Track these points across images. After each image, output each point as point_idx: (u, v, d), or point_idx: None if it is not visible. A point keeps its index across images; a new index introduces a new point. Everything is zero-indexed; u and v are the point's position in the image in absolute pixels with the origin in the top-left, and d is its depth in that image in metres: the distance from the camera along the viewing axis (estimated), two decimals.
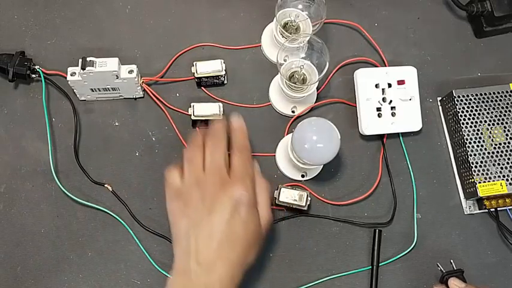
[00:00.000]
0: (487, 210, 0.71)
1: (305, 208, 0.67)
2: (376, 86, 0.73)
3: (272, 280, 0.69)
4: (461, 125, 0.71)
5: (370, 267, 0.69)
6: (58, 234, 0.69)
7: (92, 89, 0.71)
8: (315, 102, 0.74)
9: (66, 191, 0.68)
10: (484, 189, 0.68)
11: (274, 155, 0.73)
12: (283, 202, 0.68)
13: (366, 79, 0.73)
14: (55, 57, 0.74)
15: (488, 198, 0.70)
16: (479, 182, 0.68)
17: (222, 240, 0.54)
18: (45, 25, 0.76)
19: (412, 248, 0.70)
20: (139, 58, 0.75)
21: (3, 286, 0.67)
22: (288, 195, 0.68)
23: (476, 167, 0.69)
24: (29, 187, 0.70)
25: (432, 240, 0.71)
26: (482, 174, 0.69)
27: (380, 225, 0.71)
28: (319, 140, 0.64)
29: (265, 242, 0.60)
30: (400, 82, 0.73)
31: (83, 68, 0.66)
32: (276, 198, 0.68)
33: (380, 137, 0.74)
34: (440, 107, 0.75)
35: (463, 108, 0.72)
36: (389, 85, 0.73)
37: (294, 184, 0.71)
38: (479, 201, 0.72)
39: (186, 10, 0.78)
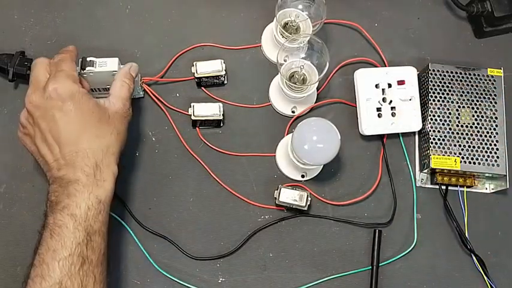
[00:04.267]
0: (437, 186, 0.72)
1: (305, 208, 0.67)
2: (376, 86, 0.73)
3: (272, 280, 0.69)
4: (430, 98, 0.72)
5: (370, 267, 0.69)
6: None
7: (92, 89, 0.71)
8: (315, 102, 0.74)
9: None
10: (436, 162, 0.69)
11: (274, 155, 0.73)
12: (283, 202, 0.68)
13: (366, 79, 0.73)
14: None
15: (442, 173, 0.71)
16: (434, 155, 0.69)
17: (60, 137, 0.58)
18: (45, 25, 0.76)
19: (412, 248, 0.70)
20: (140, 58, 0.75)
21: (3, 286, 0.67)
22: (288, 196, 0.68)
23: (434, 140, 0.70)
24: (29, 187, 0.70)
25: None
26: (439, 148, 0.70)
27: (380, 225, 0.71)
28: (319, 140, 0.64)
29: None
30: (400, 82, 0.73)
31: (83, 68, 0.66)
32: (276, 198, 0.68)
33: (380, 137, 0.74)
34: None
35: (436, 82, 0.72)
36: (390, 85, 0.73)
37: (294, 184, 0.71)
38: (432, 175, 0.72)
39: (186, 10, 0.78)
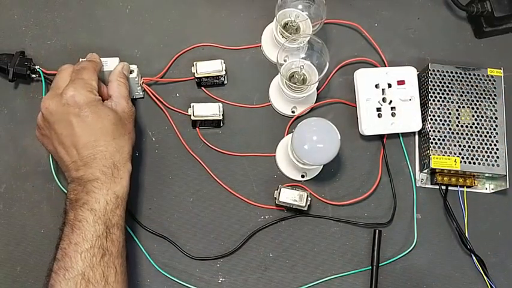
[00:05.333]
0: (437, 186, 0.72)
1: (305, 208, 0.67)
2: (376, 86, 0.73)
3: (272, 280, 0.69)
4: (430, 98, 0.72)
5: (370, 267, 0.69)
6: (58, 234, 0.68)
7: None
8: (315, 102, 0.74)
9: (66, 191, 0.68)
10: (436, 162, 0.69)
11: (274, 155, 0.73)
12: (283, 202, 0.68)
13: (366, 79, 0.73)
14: (55, 57, 0.74)
15: (442, 173, 0.71)
16: (434, 155, 0.69)
17: (77, 141, 0.60)
18: (45, 25, 0.76)
19: (412, 248, 0.70)
20: (140, 58, 0.75)
21: (3, 286, 0.67)
22: (288, 196, 0.68)
23: (434, 140, 0.70)
24: (29, 187, 0.70)
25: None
26: (439, 148, 0.70)
27: (380, 225, 0.71)
28: (319, 140, 0.64)
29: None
30: (400, 82, 0.73)
31: None
32: (276, 198, 0.68)
33: (380, 137, 0.74)
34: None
35: (436, 82, 0.72)
36: (389, 85, 0.73)
37: (294, 184, 0.71)
38: (432, 176, 0.72)
39: (186, 10, 0.78)
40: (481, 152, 0.70)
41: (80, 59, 0.68)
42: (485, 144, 0.70)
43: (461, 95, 0.72)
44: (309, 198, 0.68)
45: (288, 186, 0.69)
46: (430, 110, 0.71)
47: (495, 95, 0.72)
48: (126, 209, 0.62)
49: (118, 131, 0.62)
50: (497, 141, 0.71)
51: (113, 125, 0.62)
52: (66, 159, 0.61)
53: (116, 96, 0.65)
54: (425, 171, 0.71)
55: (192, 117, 0.71)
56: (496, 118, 0.71)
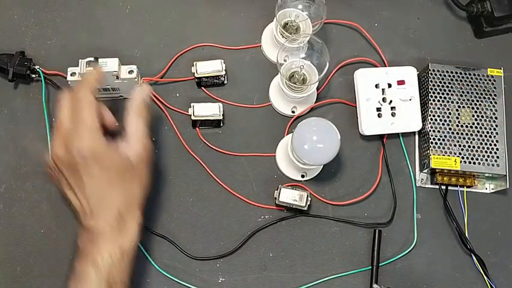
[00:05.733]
0: (437, 186, 0.72)
1: (305, 208, 0.67)
2: (376, 86, 0.73)
3: (272, 280, 0.69)
4: (430, 98, 0.72)
5: (370, 267, 0.69)
6: (58, 234, 0.69)
7: None
8: (315, 102, 0.74)
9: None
10: (436, 162, 0.69)
11: (274, 155, 0.73)
12: (283, 202, 0.68)
13: (366, 79, 0.73)
14: (55, 57, 0.74)
15: (442, 173, 0.71)
16: (434, 155, 0.69)
17: (85, 193, 0.58)
18: (45, 25, 0.76)
19: (412, 248, 0.70)
20: (140, 58, 0.75)
21: (3, 286, 0.67)
22: (288, 196, 0.68)
23: (434, 140, 0.70)
24: (29, 187, 0.70)
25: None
26: (439, 148, 0.70)
27: (380, 225, 0.71)
28: (319, 140, 0.64)
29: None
30: (400, 82, 0.73)
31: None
32: (276, 198, 0.68)
33: (380, 137, 0.74)
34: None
35: (436, 82, 0.72)
36: (389, 85, 0.73)
37: (294, 184, 0.71)
38: (432, 175, 0.72)
39: (186, 10, 0.78)
40: (481, 152, 0.70)
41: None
42: (485, 144, 0.70)
43: (461, 95, 0.72)
44: (309, 198, 0.68)
45: (288, 186, 0.69)
46: (430, 110, 0.71)
47: (495, 95, 0.72)
48: (133, 260, 0.60)
49: (127, 182, 0.60)
50: (497, 141, 0.71)
51: (122, 177, 0.59)
52: (76, 205, 0.60)
53: (131, 138, 0.61)
54: (425, 171, 0.71)
55: (192, 117, 0.71)
56: (496, 118, 0.71)
